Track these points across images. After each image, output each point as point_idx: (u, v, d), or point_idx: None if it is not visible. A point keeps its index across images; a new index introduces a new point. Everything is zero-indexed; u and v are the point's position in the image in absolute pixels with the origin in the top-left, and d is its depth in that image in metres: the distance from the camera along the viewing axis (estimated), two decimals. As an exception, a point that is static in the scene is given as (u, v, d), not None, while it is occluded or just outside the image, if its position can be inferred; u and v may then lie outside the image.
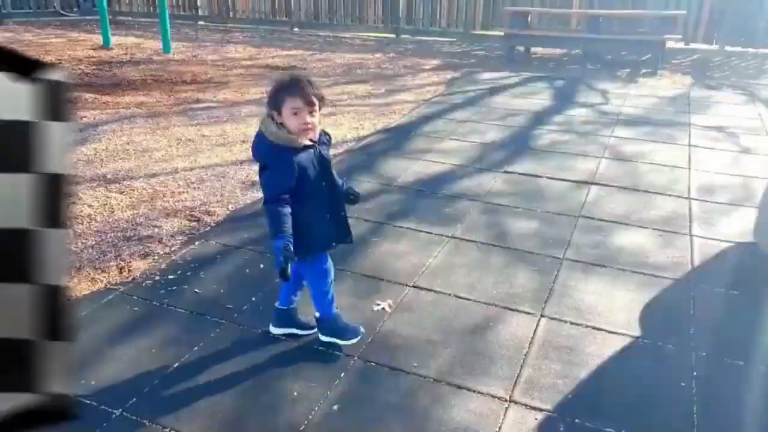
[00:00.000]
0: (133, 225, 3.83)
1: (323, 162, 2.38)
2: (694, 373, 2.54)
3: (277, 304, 2.75)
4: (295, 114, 2.21)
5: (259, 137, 2.31)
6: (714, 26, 10.11)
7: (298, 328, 2.75)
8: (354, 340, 2.66)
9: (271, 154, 2.26)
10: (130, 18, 14.70)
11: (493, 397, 2.41)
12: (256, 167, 4.77)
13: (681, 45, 10.41)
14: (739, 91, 7.55)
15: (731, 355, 2.65)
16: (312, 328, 2.73)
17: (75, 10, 14.92)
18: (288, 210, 2.23)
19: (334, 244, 2.54)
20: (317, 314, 2.66)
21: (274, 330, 2.77)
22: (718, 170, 4.84)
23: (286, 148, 2.24)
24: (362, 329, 2.70)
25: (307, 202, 2.32)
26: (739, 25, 9.91)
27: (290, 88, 2.21)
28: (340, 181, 2.52)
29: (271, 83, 2.29)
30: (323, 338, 2.70)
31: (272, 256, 2.34)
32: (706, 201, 4.26)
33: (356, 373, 2.55)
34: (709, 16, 10.05)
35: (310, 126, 2.25)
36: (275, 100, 2.22)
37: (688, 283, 3.22)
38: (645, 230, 3.81)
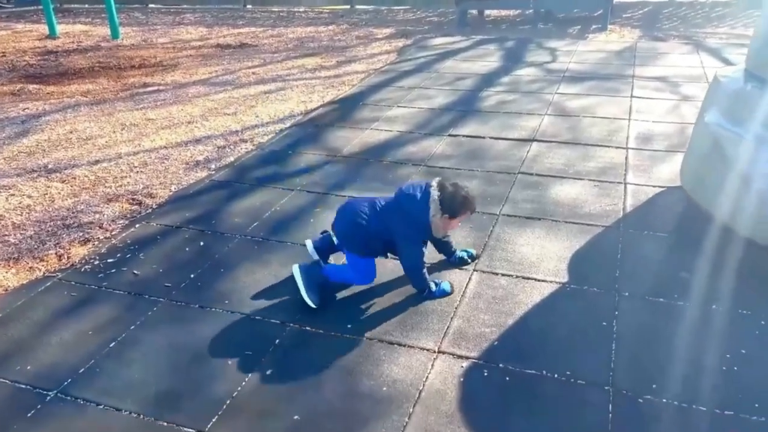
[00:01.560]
0: (73, 213, 3.81)
1: None
2: (616, 313, 2.64)
3: (327, 271, 2.90)
4: (457, 224, 2.82)
5: (426, 203, 2.65)
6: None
7: (307, 290, 2.82)
8: (309, 303, 2.76)
9: (425, 228, 2.71)
10: (77, 5, 14.31)
11: (423, 349, 2.49)
12: (200, 147, 4.80)
13: (632, -2, 10.47)
14: (685, 41, 7.64)
15: (653, 294, 2.75)
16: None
17: (11, 1, 14.46)
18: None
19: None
20: (325, 271, 2.88)
21: (295, 271, 2.86)
22: (657, 119, 4.93)
23: (429, 231, 2.73)
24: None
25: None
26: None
27: (470, 209, 2.75)
28: None
29: (458, 196, 2.67)
30: (297, 274, 2.82)
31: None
32: (643, 150, 4.35)
33: (291, 338, 2.60)
34: (658, -33, 10.10)
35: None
36: (456, 210, 2.68)
37: (618, 230, 3.31)
38: (581, 182, 3.90)
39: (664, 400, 2.17)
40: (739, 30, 8.20)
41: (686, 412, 2.12)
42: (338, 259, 3.12)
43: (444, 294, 2.82)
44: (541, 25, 9.27)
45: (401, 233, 2.71)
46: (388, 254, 2.94)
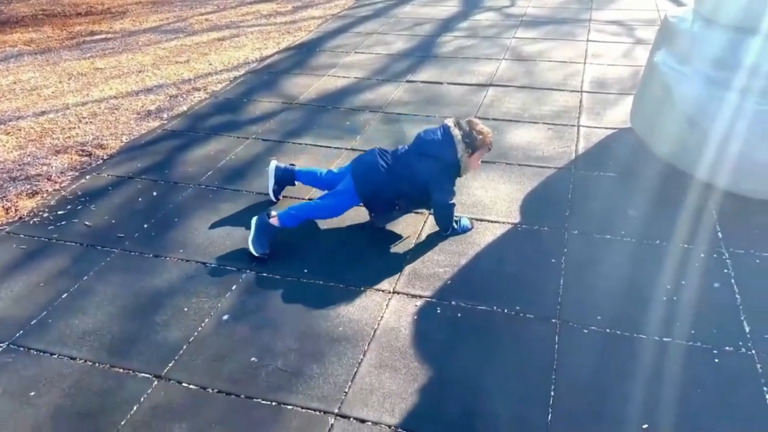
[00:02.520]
0: (20, 165, 3.69)
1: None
2: (565, 250, 2.72)
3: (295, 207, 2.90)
4: (480, 158, 2.87)
5: (450, 142, 2.72)
6: None
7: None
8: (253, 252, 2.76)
9: (456, 168, 2.78)
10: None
11: (378, 290, 2.54)
12: (151, 96, 4.66)
13: (592, -58, 10.35)
14: (642, -16, 7.64)
15: (600, 231, 2.84)
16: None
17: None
18: None
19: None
20: (276, 219, 2.83)
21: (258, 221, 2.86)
22: (612, 62, 4.97)
23: (459, 169, 2.79)
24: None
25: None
26: None
27: (488, 144, 2.81)
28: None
29: (474, 132, 2.75)
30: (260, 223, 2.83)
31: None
32: (597, 93, 4.40)
33: (247, 284, 2.62)
34: None
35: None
36: (476, 145, 2.74)
37: (570, 171, 3.38)
38: (536, 125, 3.94)
39: (608, 330, 2.27)
40: (695, -27, 8.23)
41: (628, 341, 2.22)
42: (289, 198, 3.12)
43: (465, 230, 2.88)
44: (501, -31, 9.13)
45: (434, 177, 2.74)
46: (397, 205, 2.93)
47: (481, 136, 2.75)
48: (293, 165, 3.18)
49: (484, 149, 2.81)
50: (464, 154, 2.73)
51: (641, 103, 3.41)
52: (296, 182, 3.17)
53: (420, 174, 2.76)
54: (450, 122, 2.78)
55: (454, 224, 2.85)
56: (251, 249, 2.75)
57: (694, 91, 2.90)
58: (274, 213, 2.84)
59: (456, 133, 2.72)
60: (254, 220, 2.82)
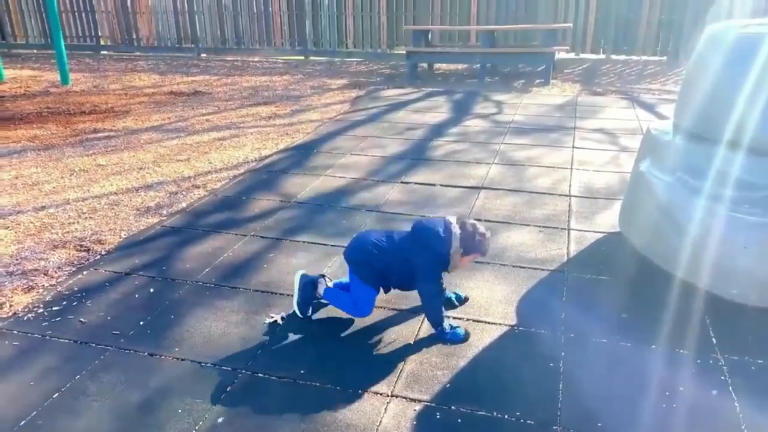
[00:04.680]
0: (17, 260, 3.70)
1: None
2: (563, 353, 2.73)
3: (324, 291, 3.05)
4: (468, 263, 2.89)
5: (447, 238, 2.76)
6: (600, 36, 10.84)
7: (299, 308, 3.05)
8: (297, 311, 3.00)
9: (445, 263, 2.81)
10: (26, 51, 14.12)
11: (376, 393, 2.51)
12: (151, 193, 4.76)
13: (572, 56, 11.08)
14: (622, 96, 8.12)
15: (596, 334, 2.87)
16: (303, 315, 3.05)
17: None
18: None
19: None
20: (323, 295, 3.04)
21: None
22: (598, 168, 5.20)
23: (446, 265, 2.82)
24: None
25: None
26: (620, 35, 10.67)
27: (482, 251, 2.83)
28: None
29: (476, 235, 2.80)
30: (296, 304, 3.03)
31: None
32: (586, 197, 4.57)
33: (243, 385, 2.58)
34: (595, 26, 10.76)
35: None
36: (471, 249, 2.79)
37: (563, 273, 3.45)
38: (528, 228, 4.05)
39: (609, 438, 2.25)
40: (669, 86, 8.77)
41: (630, 449, 2.19)
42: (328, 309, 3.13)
43: (456, 338, 2.84)
44: (488, 78, 9.68)
45: (423, 266, 2.79)
46: (392, 288, 2.99)
47: (481, 240, 2.81)
48: (323, 276, 3.13)
49: (478, 253, 2.86)
50: (457, 252, 2.77)
51: (629, 209, 3.55)
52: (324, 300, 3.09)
53: (412, 261, 2.80)
54: (453, 220, 2.83)
55: (447, 327, 2.85)
56: (295, 307, 2.95)
57: (678, 199, 3.04)
58: (329, 280, 2.97)
59: (456, 231, 2.77)
60: (299, 278, 2.98)
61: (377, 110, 7.66)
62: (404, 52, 10.52)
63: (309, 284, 3.03)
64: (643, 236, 3.32)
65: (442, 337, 2.85)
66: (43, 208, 4.52)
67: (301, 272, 3.10)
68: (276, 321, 3.04)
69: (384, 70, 10.97)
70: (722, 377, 2.56)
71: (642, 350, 2.75)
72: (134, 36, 13.45)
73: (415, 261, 2.80)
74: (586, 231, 3.98)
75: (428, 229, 2.83)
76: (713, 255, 2.84)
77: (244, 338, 2.88)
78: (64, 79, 9.86)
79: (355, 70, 10.99)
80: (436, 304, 2.84)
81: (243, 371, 2.66)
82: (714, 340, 2.81)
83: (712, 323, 2.92)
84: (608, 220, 4.13)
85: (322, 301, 3.08)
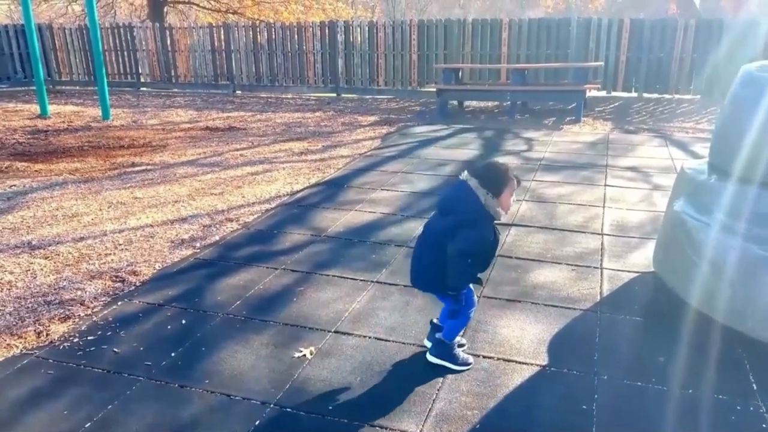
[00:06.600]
0: (55, 289, 3.80)
1: (496, 234, 2.76)
2: (596, 396, 2.67)
3: (441, 335, 2.92)
4: (511, 196, 2.66)
5: (468, 193, 2.58)
6: (631, 75, 10.83)
7: (453, 363, 2.90)
8: (464, 369, 2.87)
9: (482, 216, 2.60)
10: (70, 87, 14.71)
11: (405, 432, 2.48)
12: (186, 226, 4.86)
13: (603, 93, 11.08)
14: (654, 134, 8.06)
15: (630, 377, 2.79)
16: (468, 365, 2.91)
17: (6, 81, 14.81)
18: None
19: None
20: (441, 336, 2.91)
21: (431, 359, 2.92)
22: (631, 207, 5.14)
23: (490, 216, 2.62)
24: (471, 360, 2.93)
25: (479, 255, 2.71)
26: (653, 73, 10.64)
27: (511, 179, 2.63)
28: None
29: (494, 169, 2.64)
30: (432, 360, 2.90)
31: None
32: (618, 236, 4.51)
33: (271, 420, 2.57)
34: (626, 65, 10.77)
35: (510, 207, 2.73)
36: (499, 185, 2.59)
37: (596, 313, 3.39)
38: (559, 266, 4.01)
39: (646, 486, 2.17)
40: (703, 125, 8.69)
41: (668, 498, 2.11)
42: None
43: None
44: (518, 116, 9.73)
45: (451, 231, 2.59)
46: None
47: (502, 174, 2.60)
48: (432, 323, 3.06)
49: (510, 186, 2.62)
50: (487, 197, 2.57)
51: (664, 248, 3.49)
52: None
53: (443, 234, 2.65)
54: (464, 174, 2.64)
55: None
56: (457, 367, 2.86)
57: (715, 240, 2.99)
58: (439, 334, 2.92)
59: (472, 182, 2.59)
60: (431, 354, 2.91)
61: (407, 146, 7.74)
62: (434, 89, 10.67)
63: (438, 343, 2.93)
64: (678, 277, 3.26)
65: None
66: (81, 239, 4.65)
67: (428, 355, 2.96)
68: (305, 355, 3.05)
69: (414, 107, 11.11)
70: (764, 425, 2.46)
71: (679, 395, 2.66)
72: (173, 73, 13.92)
73: (447, 232, 2.60)
74: (619, 270, 3.91)
75: (452, 200, 2.66)
76: (752, 298, 2.77)
77: (273, 372, 2.88)
78: (105, 114, 10.23)
79: (386, 107, 11.16)
80: (461, 264, 2.62)
81: (272, 405, 2.66)
82: (755, 386, 2.71)
83: (752, 369, 2.83)
84: (642, 259, 4.06)
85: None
